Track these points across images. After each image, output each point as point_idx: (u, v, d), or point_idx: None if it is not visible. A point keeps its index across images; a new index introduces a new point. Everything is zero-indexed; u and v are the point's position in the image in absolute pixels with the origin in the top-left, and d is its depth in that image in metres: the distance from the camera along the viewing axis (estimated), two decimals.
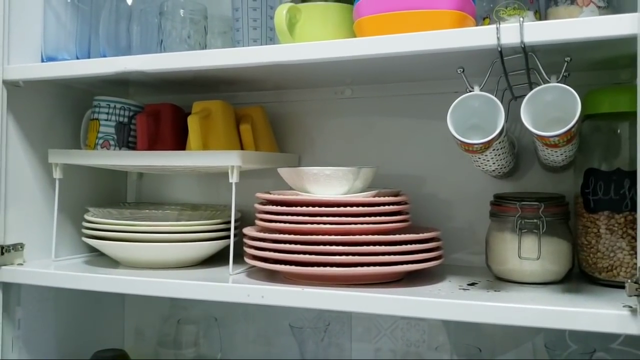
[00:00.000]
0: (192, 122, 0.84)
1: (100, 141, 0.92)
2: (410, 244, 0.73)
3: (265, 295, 0.72)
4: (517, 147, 0.85)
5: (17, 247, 0.88)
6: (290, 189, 0.83)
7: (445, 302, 0.65)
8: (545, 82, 0.63)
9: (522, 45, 0.62)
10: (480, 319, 0.63)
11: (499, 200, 0.78)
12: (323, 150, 0.99)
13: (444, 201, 0.92)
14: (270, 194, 0.81)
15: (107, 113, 0.92)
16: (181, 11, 0.89)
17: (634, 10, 0.58)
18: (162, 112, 0.92)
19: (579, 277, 0.77)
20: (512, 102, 0.75)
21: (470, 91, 0.67)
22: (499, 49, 0.63)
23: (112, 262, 0.91)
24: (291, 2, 0.80)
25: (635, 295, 0.56)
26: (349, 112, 0.98)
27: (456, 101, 0.65)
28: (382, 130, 0.96)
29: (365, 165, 0.86)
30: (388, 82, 0.94)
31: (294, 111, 1.01)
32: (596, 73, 0.80)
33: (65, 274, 0.83)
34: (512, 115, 0.72)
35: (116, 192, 1.11)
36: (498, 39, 0.62)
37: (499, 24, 0.63)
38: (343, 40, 0.71)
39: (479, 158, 0.71)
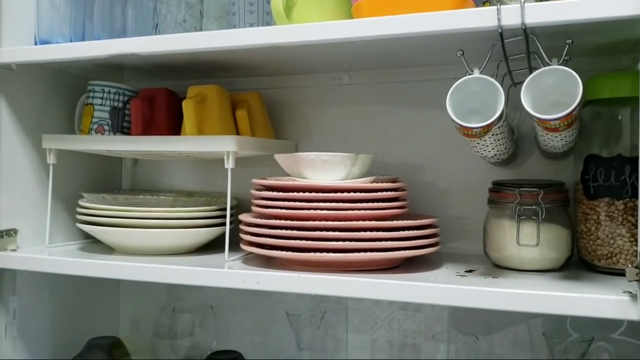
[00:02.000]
0: (187, 107, 0.83)
1: (95, 126, 0.90)
2: (408, 230, 0.72)
3: (261, 280, 0.71)
4: (517, 134, 0.84)
5: (11, 232, 0.87)
6: (287, 175, 0.82)
7: (443, 287, 0.64)
8: (547, 65, 0.62)
9: (523, 27, 0.61)
10: (478, 305, 0.62)
11: (498, 187, 0.77)
12: (320, 137, 0.98)
13: (442, 189, 0.91)
14: (267, 179, 0.80)
15: (102, 98, 0.91)
16: None
17: None
18: (156, 96, 0.91)
19: (578, 264, 0.76)
20: (511, 88, 0.74)
21: (470, 74, 0.66)
22: (500, 31, 0.62)
23: (106, 249, 0.90)
24: None
25: (635, 281, 0.55)
26: (347, 99, 0.96)
27: (455, 84, 0.64)
28: (379, 117, 0.94)
29: (363, 152, 0.85)
30: (386, 68, 0.93)
31: (291, 98, 1.00)
32: (598, 58, 0.79)
33: (58, 260, 0.82)
34: (512, 102, 0.71)
35: (111, 179, 1.09)
36: (499, 20, 0.61)
37: (499, 5, 0.61)
38: (340, 22, 0.70)
39: (478, 143, 0.70)
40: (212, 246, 0.90)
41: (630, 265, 0.56)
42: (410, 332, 0.95)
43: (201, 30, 0.90)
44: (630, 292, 0.58)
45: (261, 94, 0.95)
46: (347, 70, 0.95)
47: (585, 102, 0.72)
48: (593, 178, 0.71)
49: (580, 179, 0.73)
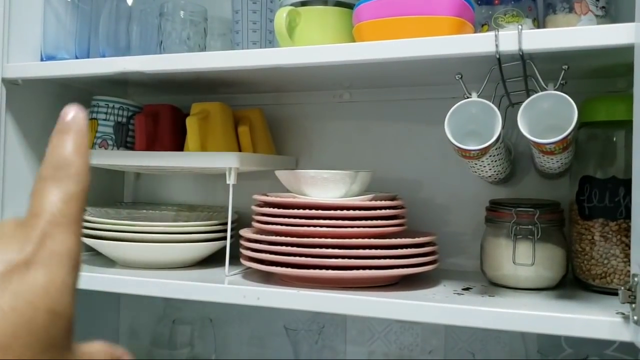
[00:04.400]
0: (191, 124, 0.85)
1: (99, 141, 0.92)
2: (406, 248, 0.73)
3: (261, 297, 0.72)
4: (514, 153, 0.85)
5: None
6: (288, 191, 0.83)
7: (440, 307, 0.65)
8: (543, 89, 0.64)
9: (520, 53, 0.62)
10: (474, 324, 0.64)
11: (495, 206, 0.78)
12: (321, 153, 1.00)
13: (440, 205, 0.92)
14: (268, 196, 0.81)
15: (106, 113, 0.92)
16: (181, 12, 0.89)
17: (631, 19, 0.58)
18: (160, 112, 0.92)
19: (572, 283, 0.77)
20: (509, 108, 0.75)
21: (468, 97, 0.67)
22: (497, 56, 0.63)
23: (108, 262, 0.91)
24: (291, 5, 0.80)
25: (628, 302, 0.56)
26: (347, 116, 0.98)
27: (454, 107, 0.66)
28: (379, 134, 0.96)
29: (362, 168, 0.86)
30: (386, 86, 0.94)
31: (293, 114, 1.01)
32: (593, 81, 0.81)
33: None
34: (510, 122, 0.72)
35: (113, 192, 1.11)
36: (496, 46, 0.62)
37: (498, 31, 0.63)
38: (342, 45, 0.71)
39: (476, 164, 0.71)
40: (213, 259, 0.91)
41: (623, 287, 0.57)
42: (407, 345, 0.96)
43: (205, 47, 0.92)
44: (623, 314, 0.59)
45: (263, 111, 0.97)
46: (347, 88, 0.96)
47: (580, 124, 0.74)
48: (588, 199, 0.73)
49: (575, 200, 0.75)
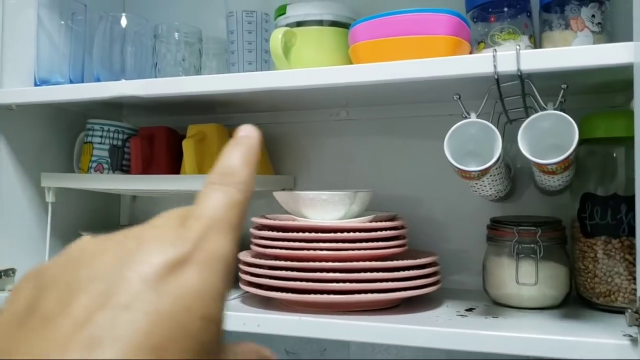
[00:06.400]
0: (187, 146, 0.84)
1: (94, 164, 0.91)
2: (408, 269, 0.72)
3: (261, 324, 0.71)
4: (514, 169, 0.85)
5: (9, 272, 0.87)
6: (286, 211, 0.82)
7: (444, 331, 0.64)
8: (542, 108, 0.63)
9: (519, 73, 0.62)
10: (479, 348, 0.62)
11: (496, 225, 0.77)
12: (318, 171, 0.99)
13: (440, 222, 0.91)
14: (266, 218, 0.80)
15: (101, 136, 0.91)
16: (176, 34, 0.89)
17: (628, 36, 0.58)
18: (156, 135, 0.92)
19: (576, 301, 0.76)
20: (507, 125, 0.75)
21: (466, 117, 0.66)
22: (496, 77, 0.63)
23: None
24: (286, 26, 0.80)
25: (635, 325, 0.55)
26: (345, 134, 0.97)
27: (453, 128, 0.65)
28: (377, 151, 0.95)
29: (360, 186, 0.85)
30: (384, 104, 0.93)
31: (290, 132, 1.00)
32: (591, 97, 0.80)
33: None
34: (508, 137, 0.72)
35: (109, 215, 1.09)
36: (495, 67, 0.62)
37: (496, 51, 0.63)
38: (339, 67, 0.71)
39: (476, 184, 0.71)
40: None
41: (630, 310, 0.56)
42: (408, 357, 0.95)
43: (200, 67, 0.91)
44: (630, 336, 0.58)
45: (259, 130, 0.96)
46: (344, 106, 0.96)
47: (580, 141, 0.73)
48: (590, 216, 0.72)
49: (577, 217, 0.74)
